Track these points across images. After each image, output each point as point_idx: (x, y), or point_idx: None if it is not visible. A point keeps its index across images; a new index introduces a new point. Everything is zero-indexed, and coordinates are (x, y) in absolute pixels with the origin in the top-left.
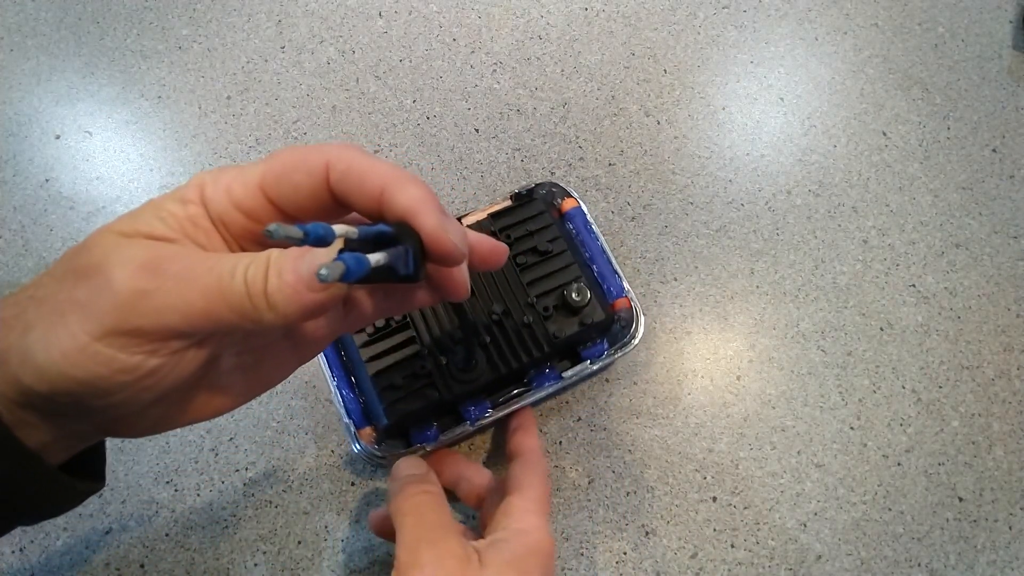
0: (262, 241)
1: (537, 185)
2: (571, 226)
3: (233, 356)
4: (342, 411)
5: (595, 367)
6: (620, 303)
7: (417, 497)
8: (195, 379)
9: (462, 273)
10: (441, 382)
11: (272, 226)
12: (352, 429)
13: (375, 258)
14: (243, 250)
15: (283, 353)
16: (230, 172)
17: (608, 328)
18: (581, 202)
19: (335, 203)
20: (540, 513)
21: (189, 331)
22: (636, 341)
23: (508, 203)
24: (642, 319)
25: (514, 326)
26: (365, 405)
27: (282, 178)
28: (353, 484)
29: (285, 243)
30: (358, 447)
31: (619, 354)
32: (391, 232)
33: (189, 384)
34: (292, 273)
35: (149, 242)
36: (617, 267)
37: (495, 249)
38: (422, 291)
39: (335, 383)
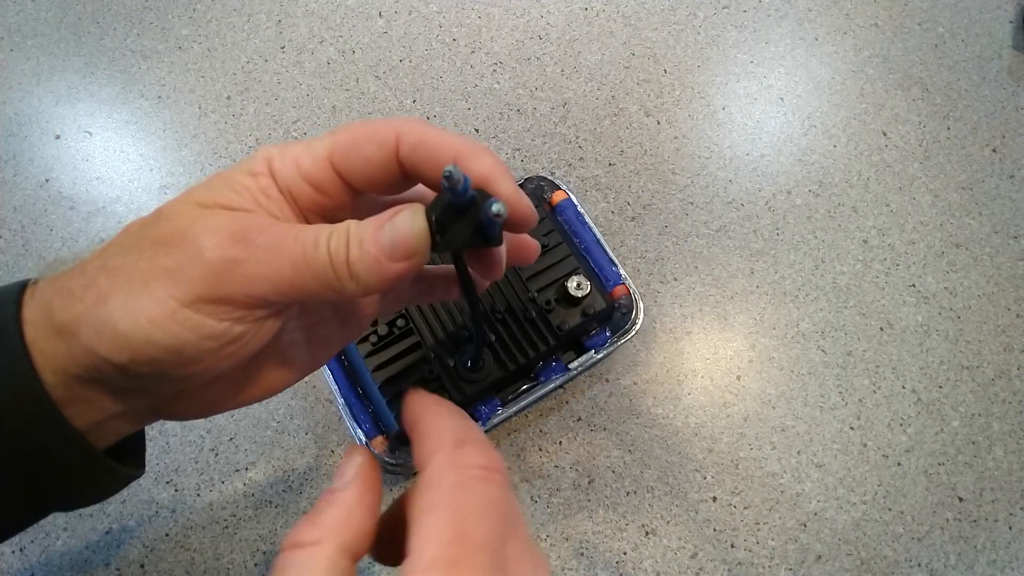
0: (328, 214)
1: (526, 180)
2: (563, 218)
3: (289, 332)
4: (351, 423)
5: (600, 356)
6: (619, 290)
7: None
8: (263, 352)
9: (526, 240)
10: (451, 384)
11: (449, 167)
12: (363, 440)
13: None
14: (311, 222)
15: (331, 330)
16: (297, 146)
17: (609, 316)
18: (570, 194)
19: (404, 175)
20: None
21: (276, 300)
22: (637, 327)
23: None
24: (641, 305)
25: (518, 322)
26: (374, 414)
27: (352, 150)
28: None
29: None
30: None
31: (622, 341)
32: (472, 197)
33: (258, 356)
34: (373, 244)
35: (231, 212)
36: (612, 255)
37: (528, 212)
38: (424, 279)
39: (341, 395)
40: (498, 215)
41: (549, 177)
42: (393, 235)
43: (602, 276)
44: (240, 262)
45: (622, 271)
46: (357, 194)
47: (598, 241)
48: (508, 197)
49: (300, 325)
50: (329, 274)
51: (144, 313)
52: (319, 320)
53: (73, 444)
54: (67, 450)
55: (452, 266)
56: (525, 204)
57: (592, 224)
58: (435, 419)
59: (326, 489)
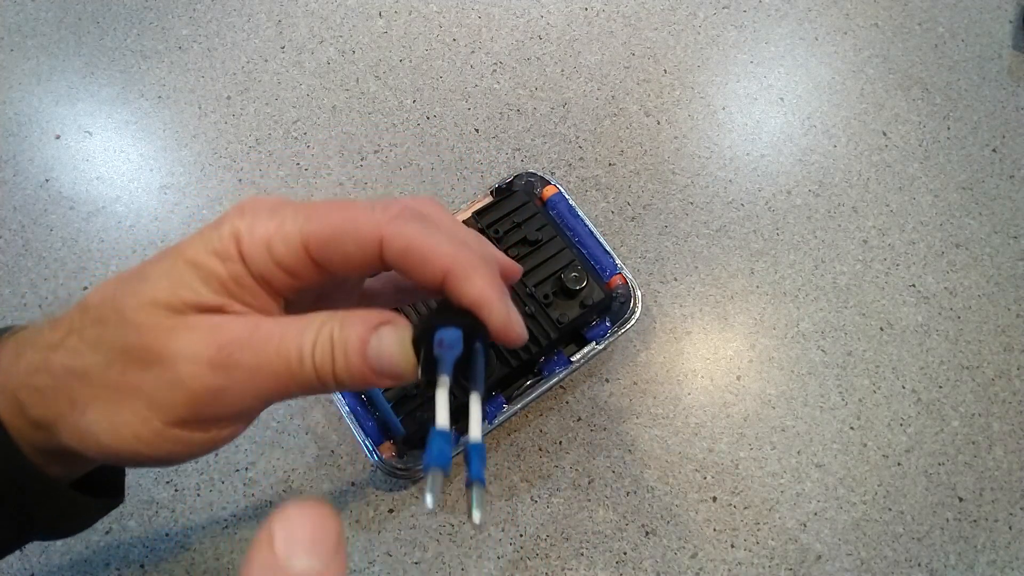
0: (304, 290)
1: (515, 177)
2: (555, 212)
3: None
4: (357, 431)
5: (601, 346)
6: (615, 280)
7: None
8: None
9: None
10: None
11: (427, 499)
12: (371, 447)
13: (442, 403)
14: (287, 300)
15: None
16: (266, 223)
17: (608, 306)
18: (560, 188)
19: (385, 268)
20: None
21: (260, 409)
22: (636, 315)
23: (489, 199)
24: (639, 294)
25: None
26: (380, 420)
27: (330, 245)
28: (353, 484)
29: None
30: (379, 463)
31: (622, 330)
32: (460, 343)
33: None
34: (358, 356)
35: (206, 321)
36: (607, 246)
37: (512, 270)
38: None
39: (346, 404)
40: (428, 507)
41: (539, 173)
42: (379, 356)
43: (598, 267)
44: (224, 388)
45: (618, 261)
46: (339, 277)
47: (592, 233)
48: (497, 325)
49: None
50: (314, 383)
51: (128, 430)
52: None
53: (48, 490)
54: (41, 495)
55: None
56: (515, 330)
57: (584, 216)
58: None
59: (276, 567)
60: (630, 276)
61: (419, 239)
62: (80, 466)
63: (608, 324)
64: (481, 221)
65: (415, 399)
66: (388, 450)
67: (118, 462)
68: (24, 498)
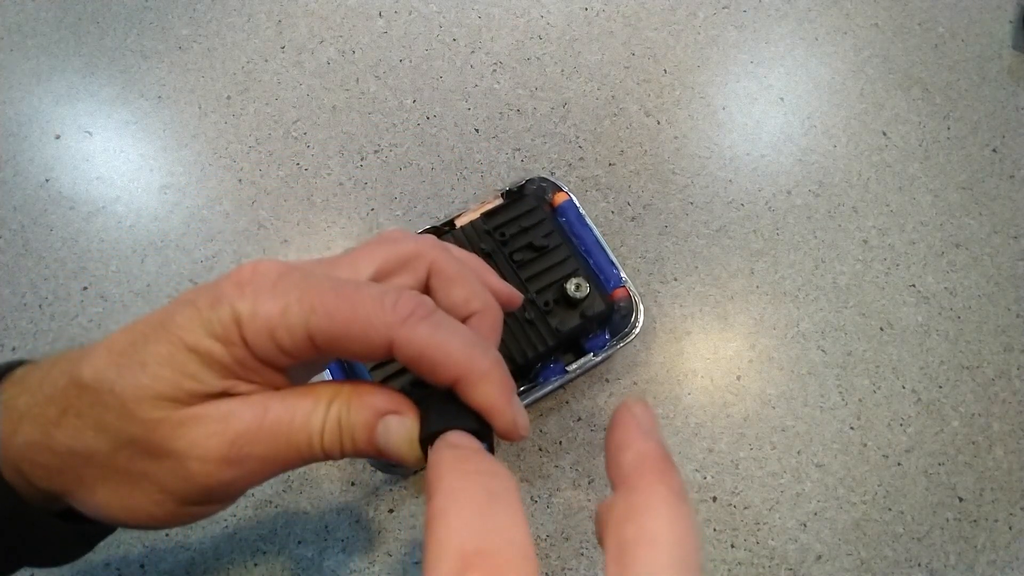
0: (306, 362)
1: (527, 181)
2: (564, 219)
3: None
4: None
5: (598, 358)
6: (619, 293)
7: None
8: None
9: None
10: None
11: None
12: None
13: None
14: (287, 375)
15: None
16: (269, 308)
17: (609, 319)
18: (572, 195)
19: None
20: None
21: (262, 481)
22: (637, 330)
23: (499, 201)
24: (641, 308)
25: (516, 323)
26: None
27: (336, 342)
28: (353, 484)
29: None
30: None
31: (621, 344)
32: (464, 421)
33: None
34: (367, 444)
35: (213, 412)
36: (613, 257)
37: (512, 297)
38: None
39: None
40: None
41: (550, 178)
42: (387, 446)
43: (602, 278)
44: (237, 480)
45: (623, 273)
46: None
47: (599, 243)
48: (502, 430)
49: None
50: (320, 459)
51: (142, 510)
52: None
53: (37, 522)
54: (30, 528)
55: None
56: (519, 433)
57: (593, 226)
58: (449, 518)
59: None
60: (634, 289)
61: (431, 347)
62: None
63: (607, 336)
64: (489, 223)
65: (408, 395)
66: None
67: (130, 529)
68: (14, 529)
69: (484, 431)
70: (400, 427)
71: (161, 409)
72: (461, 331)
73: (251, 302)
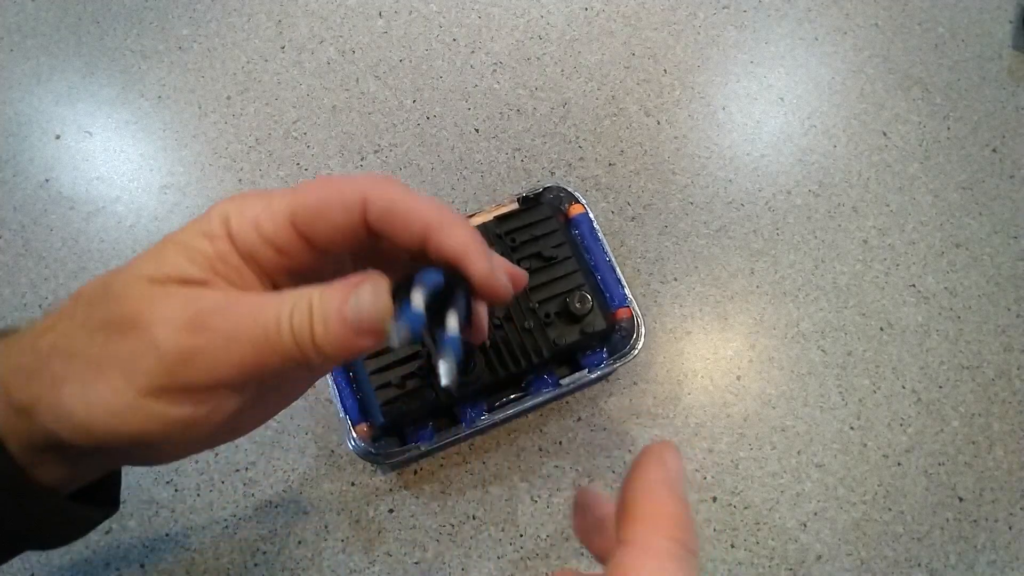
0: (294, 273)
1: (545, 189)
2: (577, 232)
3: (256, 388)
4: (339, 405)
5: (593, 376)
6: (622, 312)
7: None
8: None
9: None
10: (437, 383)
11: (392, 337)
12: (348, 424)
13: (417, 302)
14: (275, 284)
15: (301, 376)
16: (255, 203)
17: (608, 337)
18: (588, 208)
19: (370, 237)
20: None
21: (239, 380)
22: (636, 352)
23: (515, 206)
24: (643, 330)
25: (514, 331)
26: (362, 401)
27: (316, 215)
28: (353, 484)
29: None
30: (353, 443)
31: (618, 364)
32: (440, 278)
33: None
34: (338, 322)
35: (186, 291)
36: (621, 276)
37: (517, 277)
38: None
39: (333, 378)
40: (391, 343)
41: (568, 189)
42: (358, 314)
43: (607, 296)
44: (198, 351)
45: (628, 294)
46: (323, 252)
47: (608, 260)
48: (480, 277)
49: (273, 379)
50: (294, 352)
51: (101, 404)
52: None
53: (40, 498)
54: (33, 504)
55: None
56: (497, 285)
57: (605, 241)
58: (659, 501)
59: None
60: (638, 311)
61: (400, 197)
62: (70, 469)
63: (605, 355)
64: (501, 227)
65: (397, 388)
66: (363, 432)
67: (95, 442)
68: (14, 506)
69: (459, 277)
70: (370, 286)
71: (139, 287)
72: (428, 197)
73: (239, 203)
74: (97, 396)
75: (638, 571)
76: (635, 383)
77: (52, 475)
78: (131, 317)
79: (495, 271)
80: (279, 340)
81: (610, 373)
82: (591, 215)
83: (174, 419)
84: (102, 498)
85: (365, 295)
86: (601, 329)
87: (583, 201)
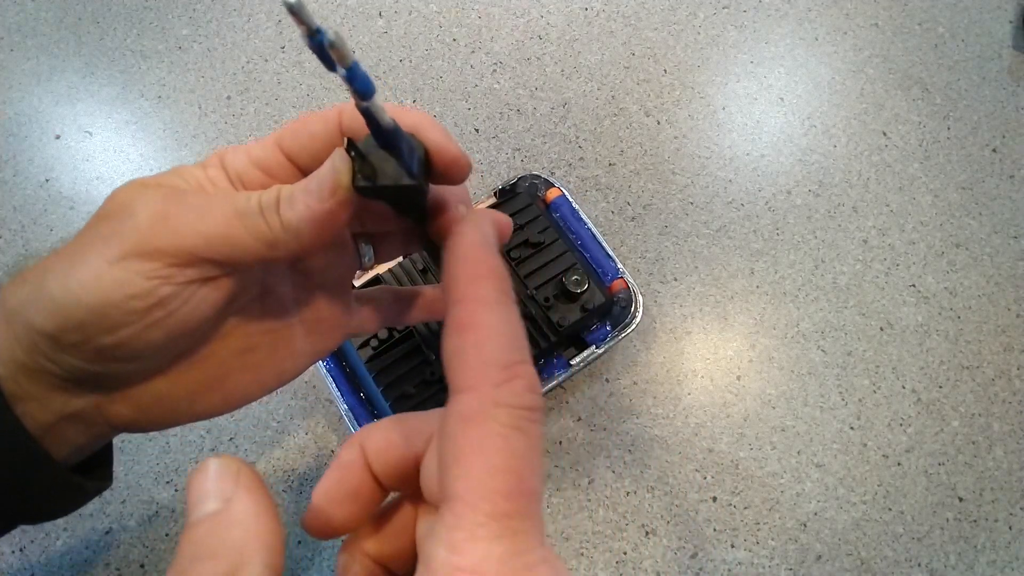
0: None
1: (520, 179)
2: (558, 215)
3: (245, 337)
4: (339, 405)
5: (601, 350)
6: (617, 284)
7: None
8: (206, 337)
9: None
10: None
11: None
12: (348, 424)
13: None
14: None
15: (297, 340)
16: (249, 143)
17: (609, 311)
18: (564, 190)
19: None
20: (499, 532)
21: (206, 255)
22: (638, 320)
23: (493, 200)
24: (640, 298)
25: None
26: (379, 419)
27: (298, 131)
28: None
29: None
30: None
31: (622, 335)
32: (392, 129)
33: (199, 341)
34: (302, 192)
35: (171, 185)
36: (609, 250)
37: (502, 222)
38: (423, 297)
39: (344, 402)
40: (330, 41)
41: (542, 175)
42: (319, 178)
43: (600, 271)
44: (170, 215)
45: (619, 265)
46: (305, 171)
47: (594, 236)
48: (435, 141)
49: (262, 329)
50: (261, 225)
51: (75, 277)
52: (282, 325)
53: (37, 462)
54: (30, 468)
55: (423, 286)
56: (452, 148)
57: (588, 220)
58: (487, 332)
59: (188, 524)
60: (631, 280)
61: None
62: (45, 406)
63: (608, 328)
64: None
65: (412, 397)
66: None
67: (60, 324)
68: (20, 473)
69: (413, 142)
70: (329, 161)
71: (134, 188)
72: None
73: (235, 147)
74: (73, 271)
75: (478, 316)
76: (635, 383)
77: (33, 420)
78: (119, 204)
79: (451, 141)
80: (247, 209)
81: (615, 344)
82: (568, 197)
83: (136, 290)
84: (99, 474)
85: (323, 168)
86: (601, 303)
87: (558, 184)
